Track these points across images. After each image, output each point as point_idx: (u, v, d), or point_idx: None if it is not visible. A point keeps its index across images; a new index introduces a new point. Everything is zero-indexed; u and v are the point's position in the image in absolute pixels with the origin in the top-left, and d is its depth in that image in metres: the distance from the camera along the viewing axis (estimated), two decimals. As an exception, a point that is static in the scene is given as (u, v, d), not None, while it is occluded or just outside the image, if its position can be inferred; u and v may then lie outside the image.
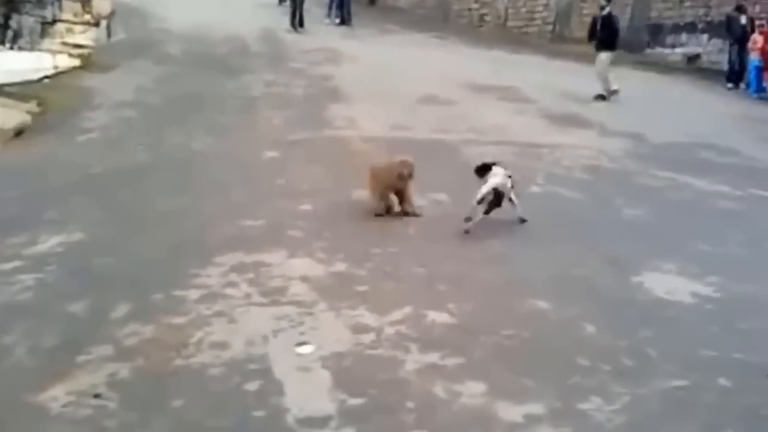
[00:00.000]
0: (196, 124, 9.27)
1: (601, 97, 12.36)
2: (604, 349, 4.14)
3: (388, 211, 6.28)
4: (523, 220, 6.19)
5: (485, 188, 5.97)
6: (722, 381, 3.86)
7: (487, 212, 5.97)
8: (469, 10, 20.75)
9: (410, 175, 6.21)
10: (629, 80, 14.61)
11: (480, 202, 5.95)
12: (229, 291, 4.82)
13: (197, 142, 8.47)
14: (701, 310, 4.76)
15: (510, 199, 6.15)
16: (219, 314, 4.50)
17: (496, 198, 5.98)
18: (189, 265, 5.21)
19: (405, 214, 6.26)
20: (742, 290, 5.06)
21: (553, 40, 18.60)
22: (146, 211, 6.48)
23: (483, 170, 6.27)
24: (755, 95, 14.14)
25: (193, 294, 4.78)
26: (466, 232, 5.90)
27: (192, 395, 3.68)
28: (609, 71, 12.46)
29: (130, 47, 14.57)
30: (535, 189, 7.23)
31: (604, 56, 12.43)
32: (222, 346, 4.12)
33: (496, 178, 6.07)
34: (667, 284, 5.11)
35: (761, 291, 5.07)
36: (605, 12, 12.62)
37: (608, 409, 3.56)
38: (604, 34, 12.45)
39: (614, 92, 12.36)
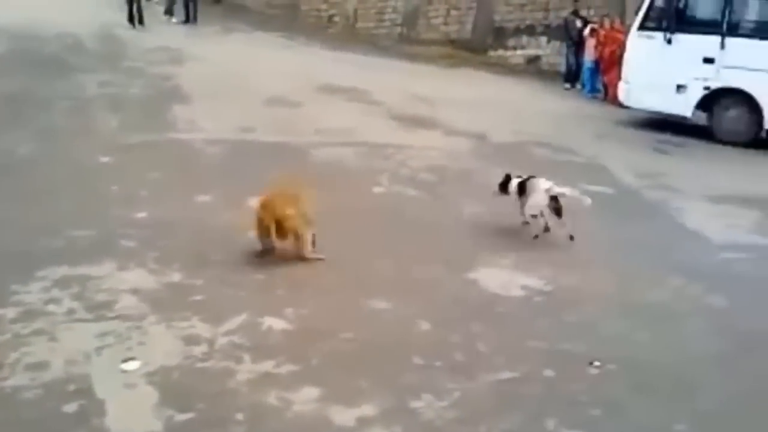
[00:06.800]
0: (21, 127, 8.60)
1: None
2: (437, 345, 4.22)
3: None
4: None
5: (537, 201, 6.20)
6: (548, 372, 4.03)
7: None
8: (318, 10, 20.76)
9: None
10: (474, 81, 15.20)
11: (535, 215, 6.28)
12: (50, 307, 4.48)
13: (21, 147, 7.85)
14: (531, 304, 4.97)
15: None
16: (38, 333, 4.18)
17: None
18: (6, 281, 4.79)
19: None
20: (569, 282, 5.34)
21: (401, 42, 18.97)
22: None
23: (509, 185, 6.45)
24: (589, 95, 15.11)
25: (10, 312, 4.40)
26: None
27: (2, 422, 3.40)
28: None
29: (-55, 44, 13.37)
30: (378, 190, 7.31)
31: None
32: (40, 366, 3.82)
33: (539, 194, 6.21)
34: (500, 279, 5.30)
35: (586, 283, 5.37)
36: None
37: (439, 405, 3.62)
38: None
39: None
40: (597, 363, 4.12)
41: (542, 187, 6.22)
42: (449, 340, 4.29)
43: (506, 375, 3.96)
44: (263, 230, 5.35)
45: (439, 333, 4.39)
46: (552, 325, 4.64)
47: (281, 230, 5.30)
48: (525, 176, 6.47)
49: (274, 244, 5.43)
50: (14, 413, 3.45)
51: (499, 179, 6.57)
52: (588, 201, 6.39)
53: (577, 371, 4.06)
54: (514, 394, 3.81)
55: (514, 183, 6.47)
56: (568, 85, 15.85)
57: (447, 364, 4.02)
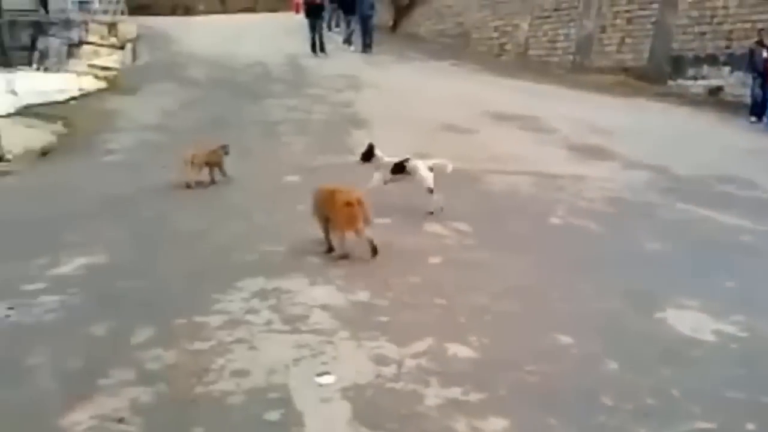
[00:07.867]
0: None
1: None
2: (627, 387, 4.07)
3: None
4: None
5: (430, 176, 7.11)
6: (749, 425, 3.76)
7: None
8: (489, 39, 20.89)
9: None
10: (651, 111, 14.62)
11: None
12: (250, 317, 4.83)
13: (219, 167, 8.53)
14: (726, 350, 4.67)
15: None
16: (240, 341, 4.50)
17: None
18: (210, 290, 5.23)
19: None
20: (765, 330, 4.97)
21: (574, 70, 18.64)
22: (168, 235, 6.53)
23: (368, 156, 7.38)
24: (778, 129, 14.02)
25: (215, 320, 4.78)
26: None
27: (213, 423, 3.67)
28: None
29: (155, 70, 14.82)
30: (555, 221, 7.20)
31: None
32: (243, 373, 4.11)
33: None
34: (690, 321, 5.03)
35: (787, 331, 4.98)
36: None
37: (632, 451, 3.50)
38: None
39: None
40: (805, 420, 3.81)
41: (424, 164, 7.15)
42: (639, 383, 4.13)
43: (703, 425, 3.75)
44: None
45: (628, 374, 4.24)
46: (751, 374, 4.33)
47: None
48: (398, 158, 7.32)
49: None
50: (224, 417, 3.73)
51: (363, 149, 7.46)
52: (450, 167, 7.16)
53: (783, 427, 3.78)
54: (713, 446, 3.61)
55: (382, 156, 7.33)
56: (753, 119, 14.80)
57: (638, 408, 3.87)
